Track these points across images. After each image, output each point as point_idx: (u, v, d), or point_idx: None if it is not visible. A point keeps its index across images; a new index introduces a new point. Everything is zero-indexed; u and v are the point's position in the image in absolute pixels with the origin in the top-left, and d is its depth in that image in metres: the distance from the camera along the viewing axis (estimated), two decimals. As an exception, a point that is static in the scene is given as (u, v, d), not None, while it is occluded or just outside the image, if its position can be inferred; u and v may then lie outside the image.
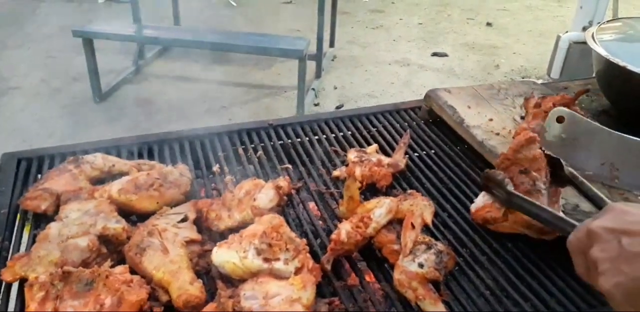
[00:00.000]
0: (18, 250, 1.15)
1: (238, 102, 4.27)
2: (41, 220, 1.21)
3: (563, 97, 1.41)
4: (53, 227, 1.10)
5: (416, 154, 1.52)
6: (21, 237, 1.19)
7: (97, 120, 3.95)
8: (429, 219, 1.20)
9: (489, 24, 6.09)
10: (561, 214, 1.03)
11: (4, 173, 1.36)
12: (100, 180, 1.32)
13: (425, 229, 1.23)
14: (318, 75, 4.53)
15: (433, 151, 1.54)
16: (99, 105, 4.21)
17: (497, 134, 1.46)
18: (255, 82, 4.60)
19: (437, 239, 1.19)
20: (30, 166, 1.41)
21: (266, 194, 1.23)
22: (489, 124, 1.50)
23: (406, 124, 1.66)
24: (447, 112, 1.55)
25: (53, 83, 4.49)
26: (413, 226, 1.14)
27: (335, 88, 4.49)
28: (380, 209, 1.17)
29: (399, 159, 1.42)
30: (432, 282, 1.08)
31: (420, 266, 1.07)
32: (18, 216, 1.24)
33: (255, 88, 4.52)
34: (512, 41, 5.63)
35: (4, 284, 1.06)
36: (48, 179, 1.26)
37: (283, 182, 1.30)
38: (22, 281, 1.04)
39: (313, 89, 4.33)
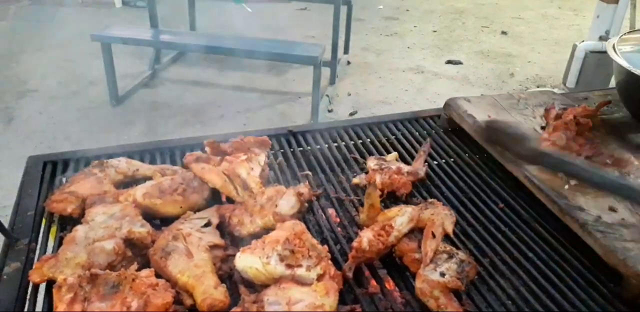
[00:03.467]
0: (44, 252, 1.17)
1: (253, 107, 4.30)
2: (67, 223, 1.23)
3: (585, 108, 1.41)
4: (80, 230, 1.12)
5: (436, 162, 1.53)
6: (47, 239, 1.21)
7: (114, 124, 3.99)
8: (449, 228, 1.20)
9: (504, 33, 6.08)
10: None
11: (30, 176, 1.38)
12: (124, 184, 1.34)
13: (446, 238, 1.23)
14: (332, 81, 4.55)
15: (453, 160, 1.54)
16: (115, 108, 4.26)
17: (518, 143, 1.45)
18: (270, 88, 4.62)
19: (457, 248, 1.19)
20: (55, 169, 1.43)
21: (288, 201, 1.25)
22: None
23: (425, 132, 1.67)
24: (467, 121, 1.56)
25: (70, 86, 4.54)
26: (434, 235, 1.15)
27: (349, 95, 4.50)
28: (401, 217, 1.18)
29: (419, 167, 1.43)
30: (454, 292, 1.09)
31: (442, 275, 1.08)
32: (44, 218, 1.26)
33: (270, 94, 4.54)
34: (527, 50, 5.61)
35: (31, 285, 1.08)
36: (74, 183, 1.28)
37: (304, 188, 1.31)
38: (49, 283, 1.05)
39: (327, 95, 4.35)
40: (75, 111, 4.21)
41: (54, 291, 0.98)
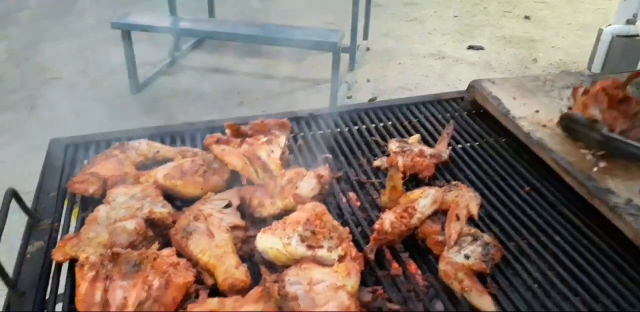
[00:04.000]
0: (67, 232, 1.18)
1: (271, 94, 4.28)
2: (88, 203, 1.24)
3: (614, 80, 1.34)
4: (101, 210, 1.12)
5: (459, 145, 1.49)
6: (69, 219, 1.22)
7: (134, 111, 4.02)
8: (474, 210, 1.17)
9: (526, 17, 5.94)
10: None
11: (52, 158, 1.39)
12: (145, 165, 1.34)
13: (470, 222, 1.20)
14: (351, 68, 4.50)
15: (476, 143, 1.51)
16: (135, 96, 4.28)
17: (544, 125, 1.42)
18: (289, 75, 4.59)
19: (482, 231, 1.17)
20: (77, 152, 1.44)
21: (308, 183, 1.23)
22: (535, 116, 1.46)
23: (448, 115, 1.63)
24: (491, 103, 1.52)
25: (91, 74, 4.57)
26: (458, 217, 1.12)
27: (369, 81, 4.45)
28: (425, 199, 1.15)
29: (442, 149, 1.40)
30: (478, 275, 1.06)
31: (467, 257, 1.06)
32: (66, 199, 1.27)
33: (289, 81, 4.51)
34: (550, 34, 5.48)
35: (54, 263, 1.08)
36: (95, 164, 1.29)
37: (324, 171, 1.30)
38: (72, 261, 1.06)
39: (346, 82, 4.30)
40: (96, 99, 4.24)
41: (77, 269, 0.99)
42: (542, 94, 1.57)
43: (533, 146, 1.36)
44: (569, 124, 1.18)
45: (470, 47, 5.13)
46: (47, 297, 1.03)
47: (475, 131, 1.55)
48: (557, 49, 5.16)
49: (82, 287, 0.95)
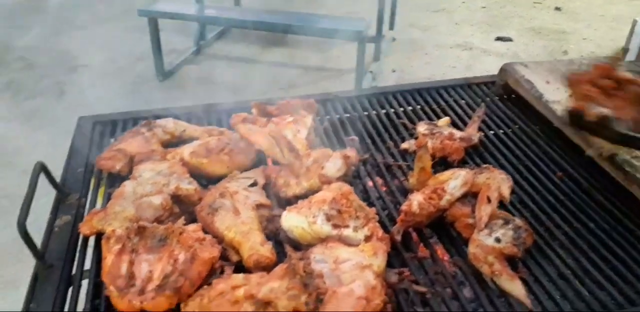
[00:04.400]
0: (94, 206, 1.19)
1: (296, 84, 4.26)
2: (115, 180, 1.24)
3: (598, 67, 1.18)
4: (128, 186, 1.12)
5: (490, 130, 1.45)
6: (96, 194, 1.22)
7: (160, 98, 4.04)
8: (506, 193, 1.14)
9: (557, 9, 5.79)
10: None
11: (81, 135, 1.40)
12: (171, 144, 1.34)
13: (501, 206, 1.17)
14: (377, 58, 4.45)
15: (508, 127, 1.47)
16: (161, 83, 4.31)
17: (579, 110, 1.37)
18: (313, 65, 4.57)
19: (513, 216, 1.13)
20: (104, 130, 1.45)
21: (334, 163, 1.21)
22: (570, 100, 1.41)
23: (479, 99, 1.59)
24: (524, 86, 1.48)
25: (119, 61, 4.62)
26: (489, 200, 1.09)
27: (394, 71, 4.40)
28: (455, 180, 1.12)
29: (473, 133, 1.36)
30: (509, 259, 1.03)
31: (497, 240, 1.03)
32: (93, 175, 1.27)
33: (313, 70, 4.49)
34: (582, 26, 5.33)
35: (81, 237, 1.09)
36: (122, 141, 1.29)
37: (351, 152, 1.28)
38: (98, 235, 1.06)
39: (371, 71, 4.26)
40: (123, 86, 4.28)
41: (103, 242, 0.99)
42: (577, 78, 1.51)
43: (567, 130, 1.32)
44: (579, 122, 1.09)
45: (499, 39, 5.03)
46: (74, 269, 1.04)
47: (506, 116, 1.51)
48: (588, 41, 5.03)
49: (108, 259, 0.96)
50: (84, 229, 1.07)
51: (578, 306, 0.97)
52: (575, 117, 1.08)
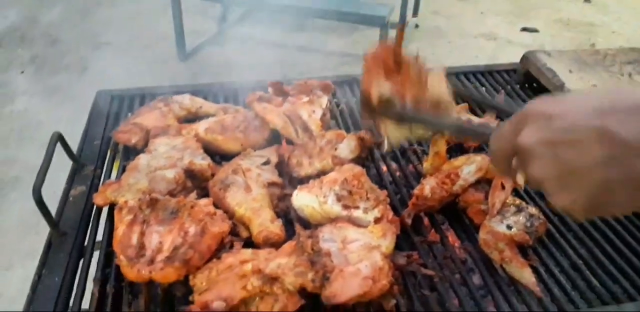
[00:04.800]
0: (108, 178, 1.20)
1: (315, 69, 4.24)
2: (130, 153, 1.26)
3: (382, 46, 1.06)
4: (142, 158, 1.13)
5: (509, 118, 1.43)
6: (112, 166, 1.24)
7: (181, 79, 4.06)
8: (521, 181, 1.11)
9: (586, 0, 5.65)
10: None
11: (98, 108, 1.41)
12: (187, 120, 1.34)
13: (515, 194, 1.16)
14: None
15: (527, 116, 1.44)
16: (182, 64, 4.32)
17: (602, 101, 1.34)
18: (334, 50, 4.54)
19: (527, 204, 1.12)
20: (122, 103, 1.46)
21: (348, 144, 1.20)
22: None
23: (499, 87, 1.56)
24: (545, 75, 1.45)
25: (141, 40, 4.64)
26: (503, 187, 1.08)
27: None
28: (469, 166, 1.11)
29: (491, 120, 1.34)
30: (520, 247, 1.02)
31: (509, 227, 1.02)
32: (110, 148, 1.29)
33: (334, 56, 4.46)
34: (612, 19, 5.19)
35: (95, 207, 1.11)
36: (139, 115, 1.30)
37: (365, 134, 1.27)
38: (112, 206, 1.08)
39: (392, 58, 4.22)
40: (145, 64, 4.30)
41: (115, 212, 1.01)
42: (601, 68, 1.48)
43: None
44: (368, 104, 1.02)
45: (525, 29, 4.93)
46: (86, 238, 1.06)
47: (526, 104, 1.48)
48: (617, 35, 4.90)
49: (120, 229, 0.97)
50: (98, 199, 1.08)
51: (589, 297, 0.96)
52: (365, 100, 1.01)
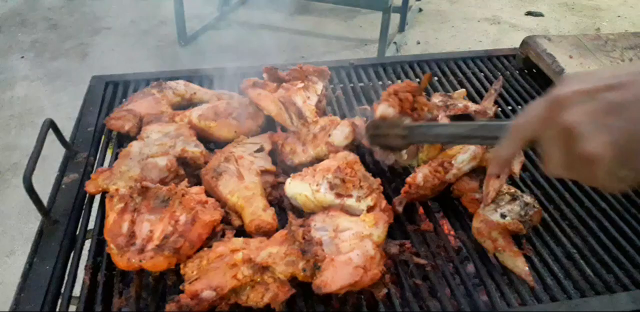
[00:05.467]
0: (101, 165, 1.19)
1: (317, 53, 4.20)
2: (124, 140, 1.25)
3: (407, 84, 1.11)
4: (135, 146, 1.12)
5: (508, 105, 1.41)
6: (105, 154, 1.23)
7: (181, 63, 4.02)
8: (516, 168, 1.11)
9: (594, -16, 5.54)
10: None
11: (92, 95, 1.40)
12: (181, 106, 1.33)
13: (511, 182, 1.15)
14: (401, 29, 4.35)
15: (526, 102, 1.42)
16: (183, 48, 4.28)
17: (602, 88, 1.31)
18: (336, 34, 4.49)
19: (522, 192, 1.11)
20: (116, 89, 1.44)
21: (341, 131, 1.19)
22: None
23: (498, 73, 1.54)
24: (545, 60, 1.42)
25: (142, 25, 4.60)
26: (498, 175, 1.06)
27: (419, 43, 4.30)
28: (463, 155, 1.10)
29: (488, 106, 1.32)
30: (514, 236, 1.01)
31: (503, 216, 1.01)
32: (103, 135, 1.28)
33: (335, 40, 4.41)
34: (617, 3, 5.10)
35: (87, 195, 1.10)
36: (132, 101, 1.29)
37: (359, 121, 1.25)
38: (104, 194, 1.07)
39: (395, 43, 4.17)
40: (146, 49, 4.27)
41: (106, 200, 1.00)
42: (602, 54, 1.45)
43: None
44: (375, 132, 1.04)
45: (529, 13, 4.85)
46: (79, 226, 1.06)
47: (525, 91, 1.46)
48: (623, 19, 4.82)
49: (110, 217, 0.97)
50: (90, 187, 1.08)
51: (582, 286, 0.96)
52: (372, 128, 1.04)
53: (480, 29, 4.55)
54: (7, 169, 3.02)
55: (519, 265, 0.97)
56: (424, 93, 1.11)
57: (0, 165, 3.04)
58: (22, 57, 4.24)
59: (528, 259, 0.99)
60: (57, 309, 0.91)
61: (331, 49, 4.27)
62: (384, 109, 1.04)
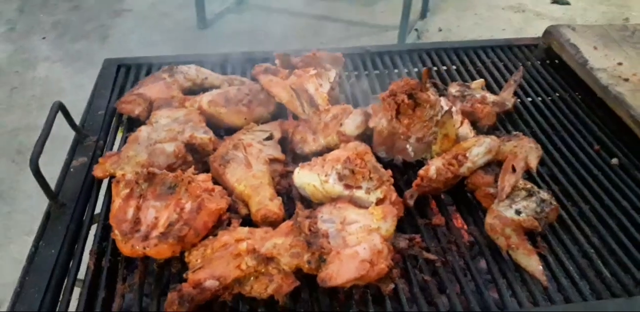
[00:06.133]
0: (111, 150, 1.18)
1: (336, 39, 4.13)
2: (134, 124, 1.23)
3: (407, 82, 1.09)
4: (143, 131, 1.11)
5: (527, 96, 1.36)
6: (115, 138, 1.22)
7: (200, 47, 4.00)
8: (533, 163, 1.07)
9: (626, -29, 5.35)
10: None
11: (104, 78, 1.39)
12: (192, 91, 1.31)
13: (528, 177, 1.11)
14: (423, 15, 4.25)
15: (546, 94, 1.37)
16: (202, 32, 4.26)
17: (626, 80, 1.26)
18: (356, 20, 4.41)
19: (540, 188, 1.07)
20: (129, 73, 1.43)
21: (353, 120, 1.15)
22: (617, 68, 1.29)
23: (519, 63, 1.48)
24: (568, 51, 1.36)
25: (161, 8, 4.58)
26: (514, 169, 1.03)
27: (440, 30, 4.20)
28: (478, 147, 1.06)
29: (507, 97, 1.28)
30: (529, 233, 0.98)
31: (518, 212, 0.97)
32: (114, 118, 1.27)
33: (356, 26, 4.34)
34: (651, -8, 4.92)
35: (95, 180, 1.09)
36: (143, 85, 1.27)
37: (373, 110, 1.21)
38: (112, 179, 1.06)
39: (416, 29, 4.08)
40: (165, 32, 4.25)
41: (113, 185, 0.99)
42: (629, 45, 1.39)
43: (610, 101, 1.22)
44: None
45: (555, 2, 4.71)
46: (86, 210, 1.05)
47: (546, 82, 1.40)
48: (655, 9, 4.65)
49: (116, 203, 0.95)
50: (97, 171, 1.07)
51: (597, 287, 0.92)
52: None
53: (504, 17, 4.43)
54: (28, 149, 3.03)
55: (532, 263, 0.94)
56: (429, 86, 1.08)
57: (21, 145, 3.07)
58: (44, 38, 4.25)
59: (542, 258, 0.95)
60: (62, 294, 0.90)
61: (351, 35, 4.20)
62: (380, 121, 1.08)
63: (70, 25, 4.38)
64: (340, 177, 1.00)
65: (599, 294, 0.91)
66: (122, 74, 1.41)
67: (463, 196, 1.09)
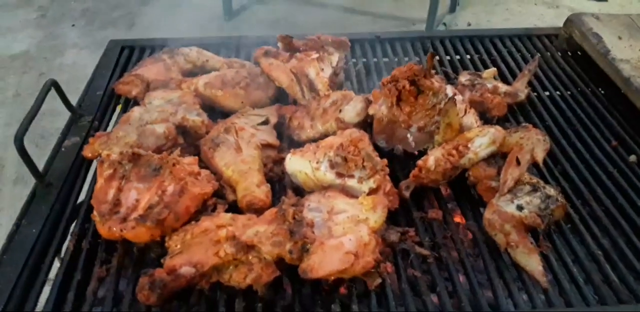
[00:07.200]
0: (105, 130, 1.16)
1: (362, 31, 4.08)
2: (132, 105, 1.20)
3: (411, 68, 1.04)
4: (135, 111, 1.08)
5: (543, 88, 1.28)
6: (110, 118, 1.20)
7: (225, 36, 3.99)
8: (540, 156, 1.00)
9: (671, -33, 5.10)
10: None
11: (107, 58, 1.37)
12: (193, 74, 1.28)
13: (537, 172, 1.03)
14: (452, 9, 4.14)
15: (564, 86, 1.29)
16: (228, 22, 4.25)
17: (653, 72, 1.17)
18: (383, 12, 4.33)
19: (547, 183, 0.99)
20: (132, 54, 1.41)
21: (353, 106, 1.09)
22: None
23: (537, 53, 1.39)
24: (590, 40, 1.27)
25: (188, -3, 4.59)
26: (519, 162, 0.96)
27: (469, 25, 4.09)
28: (482, 138, 0.99)
29: (520, 88, 1.20)
30: (531, 231, 0.91)
31: (519, 208, 0.90)
32: (113, 99, 1.25)
33: (382, 18, 4.26)
34: (696, -11, 4.68)
35: (85, 160, 1.07)
36: (142, 66, 1.25)
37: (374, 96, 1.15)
38: (100, 160, 1.04)
39: (444, 23, 3.98)
40: (190, 22, 4.24)
41: (97, 165, 0.97)
42: (659, 36, 1.29)
43: (632, 94, 1.13)
44: None
45: (593, -3, 4.52)
46: (73, 191, 1.03)
47: (565, 73, 1.32)
48: (699, 6, 4.42)
49: (99, 183, 0.93)
50: (86, 151, 1.05)
51: (603, 293, 0.85)
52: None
53: (536, 12, 4.28)
54: (51, 134, 3.09)
55: (532, 263, 0.88)
56: (433, 72, 1.02)
57: (44, 130, 3.12)
58: (73, 25, 4.31)
59: (545, 258, 0.89)
60: (39, 274, 0.88)
61: (377, 28, 4.13)
62: (380, 108, 1.03)
63: (99, 12, 4.43)
64: (332, 165, 0.95)
65: (604, 300, 0.84)
66: (126, 55, 1.39)
67: (464, 189, 1.03)
